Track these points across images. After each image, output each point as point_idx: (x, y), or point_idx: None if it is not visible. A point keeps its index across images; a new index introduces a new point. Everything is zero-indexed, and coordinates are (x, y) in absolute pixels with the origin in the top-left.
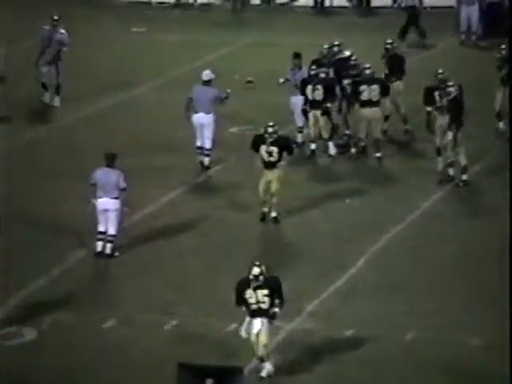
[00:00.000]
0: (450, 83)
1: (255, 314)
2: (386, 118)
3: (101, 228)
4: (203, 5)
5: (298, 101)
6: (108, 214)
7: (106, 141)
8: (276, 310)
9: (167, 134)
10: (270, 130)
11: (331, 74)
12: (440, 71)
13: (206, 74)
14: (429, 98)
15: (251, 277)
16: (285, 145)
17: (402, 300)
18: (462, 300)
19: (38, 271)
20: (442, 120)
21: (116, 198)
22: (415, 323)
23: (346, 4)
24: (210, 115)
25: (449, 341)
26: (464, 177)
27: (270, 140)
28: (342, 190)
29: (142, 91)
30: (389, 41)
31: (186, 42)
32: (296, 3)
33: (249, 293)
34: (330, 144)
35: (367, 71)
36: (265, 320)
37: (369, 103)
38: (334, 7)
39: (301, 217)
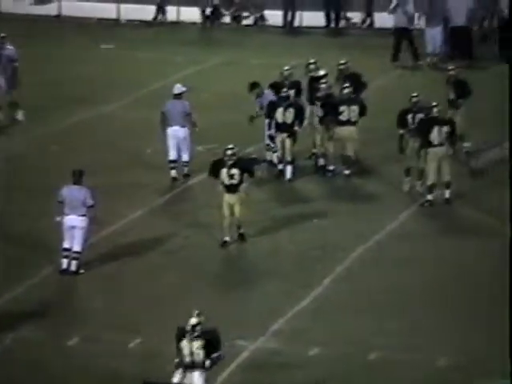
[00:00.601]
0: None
1: (188, 367)
2: None
3: (66, 245)
4: (173, 23)
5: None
6: (74, 231)
7: (73, 157)
8: (207, 362)
9: (135, 150)
10: (229, 152)
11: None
12: (414, 94)
13: (178, 88)
14: (402, 121)
15: (188, 327)
16: (246, 166)
17: (368, 319)
18: (430, 320)
19: (3, 287)
20: (414, 142)
21: (83, 215)
22: (381, 343)
23: (316, 24)
24: (185, 128)
25: (416, 361)
26: (447, 194)
27: (230, 162)
28: (310, 209)
29: (111, 108)
30: (341, 61)
31: (155, 60)
32: (266, 23)
33: (184, 343)
34: (289, 168)
35: (346, 91)
36: (200, 374)
37: (347, 123)
38: (304, 27)
39: (267, 236)
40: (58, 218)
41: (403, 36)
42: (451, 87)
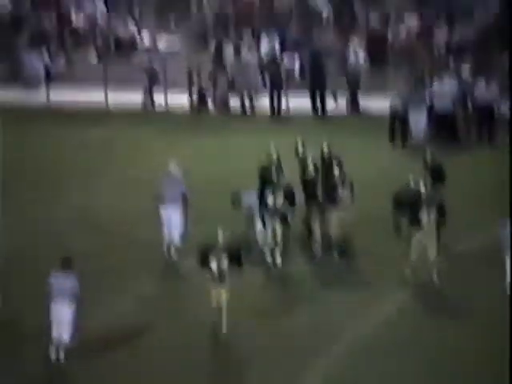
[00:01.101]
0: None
1: None
2: None
3: (55, 333)
4: (160, 108)
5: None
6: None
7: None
8: None
9: (126, 234)
10: (220, 240)
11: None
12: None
13: (172, 167)
14: (396, 202)
15: None
16: (235, 255)
17: None
18: None
19: None
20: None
21: (71, 302)
22: None
23: (302, 108)
24: (178, 208)
25: None
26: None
27: (220, 251)
28: (302, 294)
29: (100, 193)
30: (324, 144)
31: (143, 146)
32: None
33: None
34: (278, 253)
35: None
36: None
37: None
38: (291, 112)
39: (257, 322)
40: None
41: (397, 118)
42: (428, 172)
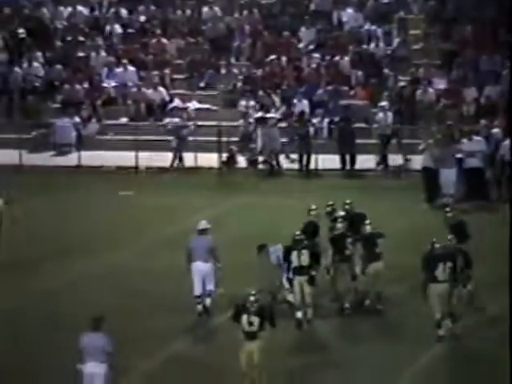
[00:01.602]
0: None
1: None
2: None
3: None
4: (190, 168)
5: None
6: (94, 378)
7: (93, 305)
8: None
9: (157, 294)
10: (252, 298)
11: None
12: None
13: (203, 224)
14: (426, 265)
15: None
16: (267, 315)
17: None
18: None
19: None
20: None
21: (103, 362)
22: None
23: (331, 166)
24: (209, 264)
25: None
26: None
27: (252, 309)
28: (330, 355)
29: (128, 254)
30: (347, 201)
31: (173, 205)
32: (283, 167)
33: None
34: (309, 311)
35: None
36: None
37: (379, 258)
38: (320, 170)
39: None
40: (79, 366)
41: (430, 176)
42: (449, 229)
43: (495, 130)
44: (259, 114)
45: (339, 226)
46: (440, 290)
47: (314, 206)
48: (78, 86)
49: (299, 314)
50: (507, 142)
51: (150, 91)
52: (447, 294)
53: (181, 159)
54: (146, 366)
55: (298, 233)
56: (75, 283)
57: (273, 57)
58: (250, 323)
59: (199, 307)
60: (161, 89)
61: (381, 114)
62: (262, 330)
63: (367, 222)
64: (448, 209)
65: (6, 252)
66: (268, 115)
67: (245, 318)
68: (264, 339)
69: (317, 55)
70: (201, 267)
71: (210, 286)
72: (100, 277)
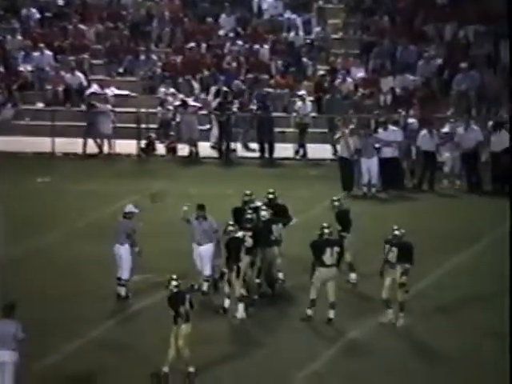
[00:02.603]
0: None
1: None
2: None
3: None
4: (108, 154)
5: (205, 250)
6: (4, 366)
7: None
8: None
9: (77, 281)
10: (174, 283)
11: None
12: (395, 227)
13: (129, 208)
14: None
15: None
16: (190, 300)
17: None
18: None
19: None
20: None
21: (13, 349)
22: None
23: (251, 155)
24: (124, 247)
25: None
26: (331, 314)
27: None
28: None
29: (49, 241)
30: (270, 191)
31: (91, 192)
32: (201, 154)
33: None
34: (240, 306)
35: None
36: None
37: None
38: (240, 157)
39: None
40: None
41: (346, 166)
42: (336, 219)
43: (411, 120)
44: (179, 102)
45: (264, 213)
46: (326, 274)
47: (248, 192)
48: None
49: (227, 303)
50: (424, 132)
51: (67, 76)
52: (335, 278)
53: (100, 146)
54: (69, 349)
55: (231, 222)
56: None
57: (192, 44)
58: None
59: (118, 289)
60: (78, 74)
61: (299, 103)
62: (189, 315)
63: (263, 207)
64: (335, 198)
65: None
66: (189, 103)
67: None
68: (190, 324)
69: (237, 43)
70: (116, 250)
71: (124, 271)
72: (21, 262)
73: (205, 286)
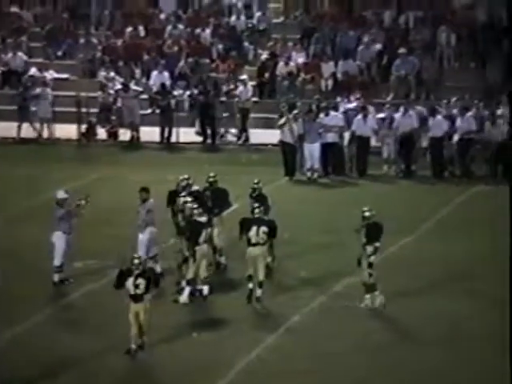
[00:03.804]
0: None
1: None
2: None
3: None
4: (48, 139)
5: (149, 233)
6: None
7: None
8: None
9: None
10: (136, 261)
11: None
12: (365, 209)
13: (60, 193)
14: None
15: None
16: (151, 277)
17: None
18: None
19: None
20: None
21: None
22: None
23: (192, 139)
24: (57, 233)
25: None
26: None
27: (137, 272)
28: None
29: None
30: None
31: (30, 177)
32: (142, 139)
33: None
34: (187, 289)
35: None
36: None
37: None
38: (180, 143)
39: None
40: None
41: (289, 151)
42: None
43: (351, 105)
44: (119, 86)
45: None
46: (253, 252)
47: (185, 176)
48: None
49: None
50: (359, 117)
51: (7, 58)
52: (261, 257)
53: (38, 130)
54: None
55: (195, 205)
56: None
57: (132, 28)
58: (136, 286)
59: (53, 276)
60: (20, 54)
61: (241, 88)
62: (147, 292)
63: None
64: (256, 181)
65: None
66: (131, 87)
67: (130, 280)
68: (148, 300)
69: (178, 27)
70: (52, 237)
71: (56, 257)
72: None
73: (158, 268)
